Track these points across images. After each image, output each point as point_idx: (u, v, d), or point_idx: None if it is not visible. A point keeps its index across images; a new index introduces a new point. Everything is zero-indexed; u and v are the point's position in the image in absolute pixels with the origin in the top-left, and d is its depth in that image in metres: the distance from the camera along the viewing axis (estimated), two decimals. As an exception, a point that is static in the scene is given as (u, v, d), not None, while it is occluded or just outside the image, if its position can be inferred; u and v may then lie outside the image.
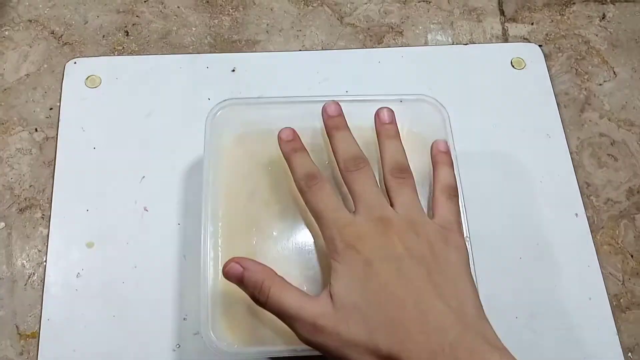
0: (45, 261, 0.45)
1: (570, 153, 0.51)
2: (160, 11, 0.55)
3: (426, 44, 0.56)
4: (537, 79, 0.54)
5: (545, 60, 0.55)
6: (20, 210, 0.47)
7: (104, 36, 0.54)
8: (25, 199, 0.47)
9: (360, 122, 0.44)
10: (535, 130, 0.51)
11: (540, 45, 0.55)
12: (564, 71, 0.55)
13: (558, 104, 0.53)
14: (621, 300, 0.46)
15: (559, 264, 0.46)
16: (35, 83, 0.51)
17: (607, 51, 0.56)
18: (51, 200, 0.46)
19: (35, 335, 0.43)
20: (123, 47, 0.54)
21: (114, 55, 0.53)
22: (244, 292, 0.35)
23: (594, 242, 0.47)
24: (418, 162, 0.44)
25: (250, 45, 0.54)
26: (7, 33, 0.53)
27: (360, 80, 0.53)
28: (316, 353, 0.34)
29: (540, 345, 0.44)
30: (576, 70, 0.55)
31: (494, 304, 0.44)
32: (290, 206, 0.42)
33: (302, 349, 0.36)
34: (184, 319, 0.43)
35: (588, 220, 0.48)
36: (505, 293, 0.45)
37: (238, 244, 0.41)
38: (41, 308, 0.43)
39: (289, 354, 0.37)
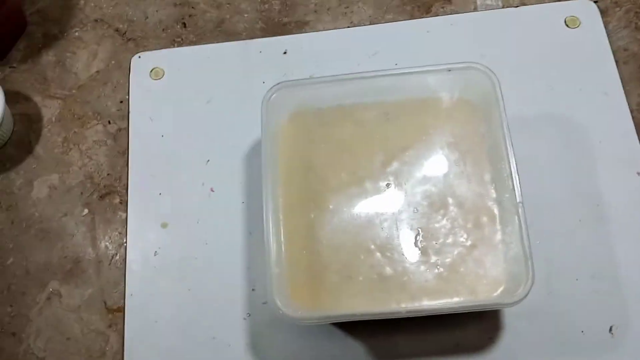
0: (126, 242, 0.49)
1: (631, 111, 0.49)
2: (214, 0, 0.58)
3: (475, 9, 0.55)
4: (593, 36, 0.52)
5: (602, 17, 0.53)
6: (101, 197, 0.51)
7: (163, 30, 0.57)
8: (104, 186, 0.51)
9: (409, 95, 0.45)
10: (592, 90, 0.50)
11: (595, 1, 0.54)
12: (622, 26, 0.53)
13: (616, 61, 0.51)
14: (689, 258, 0.45)
15: (620, 225, 0.46)
16: (105, 79, 0.55)
17: (670, 1, 0.53)
18: (127, 187, 0.50)
19: (121, 310, 0.47)
20: (182, 39, 0.57)
21: (174, 47, 0.56)
22: (305, 262, 0.38)
23: (658, 201, 0.46)
24: (470, 130, 0.44)
25: (300, 26, 0.56)
26: (77, 34, 0.58)
27: (410, 52, 0.53)
28: (374, 317, 0.36)
29: (602, 306, 0.44)
30: (636, 24, 0.53)
31: (554, 266, 0.45)
32: (344, 180, 0.44)
33: (360, 313, 0.38)
34: (253, 289, 0.46)
35: (651, 178, 0.47)
36: (566, 256, 0.45)
37: (297, 218, 0.43)
38: (125, 285, 0.47)
39: (348, 319, 0.39)
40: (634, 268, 0.44)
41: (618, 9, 0.54)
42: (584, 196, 0.47)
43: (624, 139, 0.48)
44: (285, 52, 0.54)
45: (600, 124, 0.49)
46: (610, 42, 0.52)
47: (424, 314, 0.41)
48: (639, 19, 0.53)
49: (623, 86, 0.50)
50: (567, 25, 0.53)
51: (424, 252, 0.41)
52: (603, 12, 0.53)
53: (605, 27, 0.52)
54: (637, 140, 0.48)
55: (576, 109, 0.50)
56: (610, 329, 0.43)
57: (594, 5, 0.53)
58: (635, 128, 0.49)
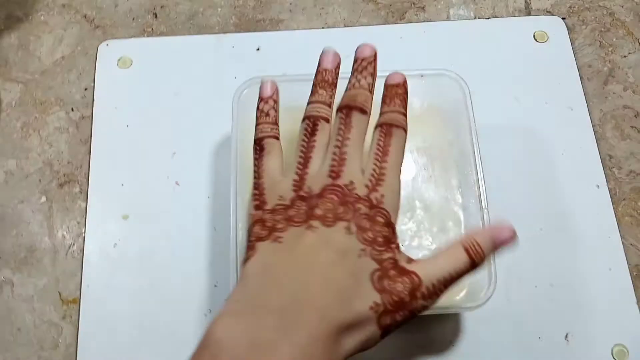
0: (84, 232, 0.47)
1: (593, 125, 0.51)
2: (187, -8, 0.57)
3: (448, 18, 0.56)
4: (560, 52, 0.54)
5: (569, 33, 0.54)
6: (60, 185, 0.49)
7: (133, 19, 0.56)
8: (64, 174, 0.50)
9: (380, 98, 0.46)
10: (557, 104, 0.52)
11: (563, 18, 0.55)
12: (588, 44, 0.55)
13: (581, 77, 0.53)
14: (642, 270, 0.47)
15: (579, 235, 0.47)
16: (70, 65, 0.54)
17: (632, 23, 0.56)
18: (88, 176, 0.49)
19: (77, 301, 0.45)
20: (152, 29, 0.55)
21: (144, 37, 0.55)
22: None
23: (615, 214, 0.48)
24: (440, 136, 0.45)
25: (274, 24, 0.56)
26: (42, 18, 0.56)
27: (383, 56, 0.53)
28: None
29: (559, 314, 0.45)
30: (600, 42, 0.55)
31: (514, 273, 0.46)
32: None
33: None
34: (215, 285, 0.45)
35: (610, 192, 0.49)
36: (526, 263, 0.46)
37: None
38: (81, 276, 0.46)
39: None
40: (591, 278, 0.46)
41: (584, 26, 0.55)
42: (545, 206, 0.48)
43: (585, 153, 0.50)
44: (258, 49, 0.54)
45: (563, 136, 0.50)
46: (575, 58, 0.53)
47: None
48: (603, 38, 0.55)
49: (586, 101, 0.52)
50: (535, 40, 0.54)
51: (389, 253, 0.41)
52: (570, 29, 0.55)
53: (572, 43, 0.54)
54: (598, 154, 0.50)
55: (541, 121, 0.51)
56: (566, 336, 0.44)
57: (562, 22, 0.55)
58: (597, 142, 0.50)
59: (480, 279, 0.39)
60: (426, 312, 0.41)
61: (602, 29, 0.55)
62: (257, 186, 0.34)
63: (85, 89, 0.53)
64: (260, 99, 0.38)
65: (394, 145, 0.34)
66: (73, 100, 0.52)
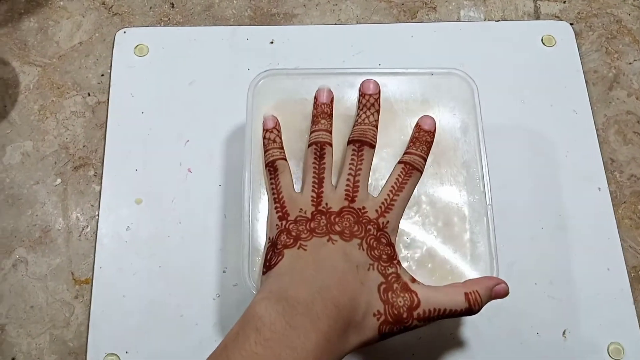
0: (98, 215, 0.49)
1: (596, 129, 0.52)
2: (204, -16, 0.58)
3: (459, 20, 0.57)
4: (567, 56, 0.55)
5: (576, 39, 0.56)
6: (75, 168, 0.51)
7: (151, 8, 0.57)
8: (80, 157, 0.51)
9: (390, 94, 0.47)
10: (562, 107, 0.53)
11: (571, 24, 0.56)
12: (594, 49, 0.56)
13: (586, 82, 0.54)
14: (639, 272, 0.48)
15: (580, 235, 0.48)
16: (88, 51, 0.55)
17: (639, 30, 0.57)
18: (103, 160, 0.50)
19: (89, 282, 0.47)
20: (169, 19, 0.57)
21: (161, 26, 0.56)
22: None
23: (615, 216, 0.49)
24: (448, 133, 0.46)
25: (288, 19, 0.57)
26: (61, 3, 0.57)
27: (393, 54, 0.55)
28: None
29: (557, 311, 0.46)
30: (606, 48, 0.56)
31: (515, 270, 0.47)
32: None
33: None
34: (224, 271, 0.46)
35: (611, 194, 0.50)
36: (527, 260, 0.47)
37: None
38: (94, 257, 0.47)
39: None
40: (589, 277, 0.47)
41: (591, 32, 0.57)
42: (547, 205, 0.49)
43: (588, 156, 0.51)
44: (272, 42, 0.55)
45: (567, 139, 0.52)
46: (582, 63, 0.55)
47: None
48: (610, 44, 0.56)
49: (591, 106, 0.53)
50: (543, 43, 0.55)
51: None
52: (577, 35, 0.56)
53: (579, 48, 0.55)
54: (600, 158, 0.51)
55: (546, 123, 0.52)
56: (564, 333, 0.45)
57: (569, 27, 0.56)
58: (599, 146, 0.51)
59: (483, 272, 0.40)
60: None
61: (609, 36, 0.57)
62: (278, 200, 0.40)
63: (102, 75, 0.54)
64: (265, 130, 0.43)
65: (410, 184, 0.41)
66: (90, 85, 0.53)
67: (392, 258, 0.37)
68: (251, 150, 0.43)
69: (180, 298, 0.46)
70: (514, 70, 0.54)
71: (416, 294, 0.36)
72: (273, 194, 0.40)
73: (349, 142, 0.42)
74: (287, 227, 0.38)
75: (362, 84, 0.44)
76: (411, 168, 0.41)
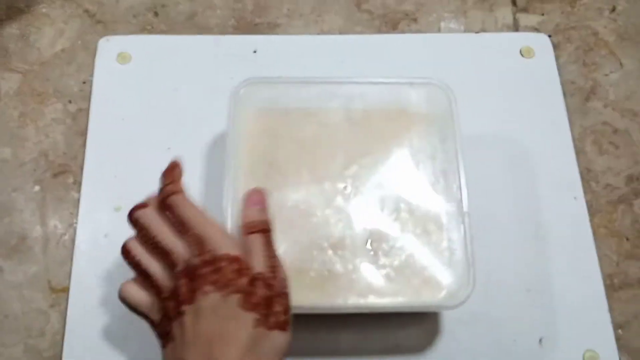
0: (76, 223, 0.48)
1: (573, 140, 0.53)
2: (187, -7, 0.58)
3: (439, 31, 0.58)
4: (545, 68, 0.56)
5: (554, 50, 0.57)
6: (54, 175, 0.50)
7: (134, 16, 0.57)
8: (59, 165, 0.51)
9: (371, 104, 0.47)
10: (540, 117, 0.54)
11: (549, 36, 0.58)
12: (572, 61, 0.57)
13: (564, 93, 0.55)
14: (614, 280, 0.49)
15: (556, 244, 0.49)
16: (70, 58, 0.55)
17: (615, 43, 0.58)
18: (82, 167, 0.50)
19: (66, 290, 0.46)
20: (152, 27, 0.57)
21: (144, 34, 0.56)
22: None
23: (591, 225, 0.50)
24: (426, 142, 0.47)
25: (271, 28, 0.57)
26: (44, 10, 0.57)
27: (375, 64, 0.55)
28: (321, 311, 0.38)
29: (534, 318, 0.46)
30: (583, 60, 0.57)
31: (493, 278, 0.47)
32: (304, 179, 0.45)
33: (309, 306, 0.39)
34: (203, 279, 0.46)
35: (587, 203, 0.51)
36: (504, 268, 0.48)
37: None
38: (71, 265, 0.47)
39: (295, 312, 0.40)
40: (565, 285, 0.47)
41: (569, 44, 0.58)
42: (525, 214, 0.50)
43: (565, 165, 0.52)
44: (255, 51, 0.55)
45: (544, 149, 0.52)
46: (560, 74, 0.55)
47: (369, 311, 0.43)
48: (587, 56, 0.57)
49: (568, 116, 0.54)
50: (522, 55, 0.56)
51: (374, 253, 0.43)
52: (555, 46, 0.57)
53: (557, 60, 0.56)
54: (577, 167, 0.52)
55: (524, 133, 0.53)
56: (540, 340, 0.46)
57: (548, 39, 0.57)
58: (576, 156, 0.52)
59: (460, 279, 0.40)
60: (407, 310, 0.43)
61: (586, 48, 0.58)
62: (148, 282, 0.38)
63: (84, 82, 0.54)
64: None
65: (178, 208, 0.38)
66: (71, 92, 0.53)
67: (239, 271, 0.34)
68: (231, 158, 0.43)
69: (159, 306, 0.45)
70: (493, 81, 0.55)
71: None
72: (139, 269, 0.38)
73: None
74: (159, 326, 0.37)
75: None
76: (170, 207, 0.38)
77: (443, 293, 0.41)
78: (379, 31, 0.58)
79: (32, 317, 0.46)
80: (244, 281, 0.34)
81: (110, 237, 0.48)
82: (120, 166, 0.50)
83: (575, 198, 0.51)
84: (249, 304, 0.33)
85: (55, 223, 0.49)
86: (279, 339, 0.34)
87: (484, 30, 0.58)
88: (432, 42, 0.57)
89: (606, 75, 0.57)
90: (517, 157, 0.52)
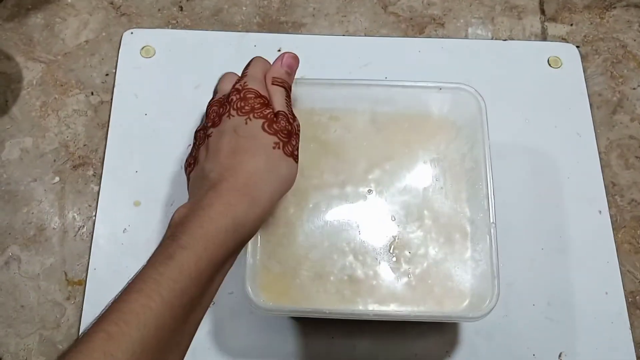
0: (95, 216, 0.48)
1: (599, 153, 0.52)
2: (213, -11, 0.58)
3: (466, 37, 0.57)
4: (572, 78, 0.55)
5: (582, 61, 0.56)
6: (74, 167, 0.50)
7: (159, 10, 0.57)
8: (79, 156, 0.50)
9: (397, 108, 0.47)
10: (566, 128, 0.53)
11: (577, 46, 0.57)
12: (599, 73, 0.56)
13: (591, 105, 0.54)
14: (637, 297, 0.48)
15: (579, 258, 0.48)
16: (94, 50, 0.55)
17: (644, 56, 0.57)
18: (103, 160, 0.50)
19: (82, 283, 0.46)
20: (177, 21, 0.56)
21: (168, 28, 0.56)
22: (279, 256, 0.39)
23: (614, 240, 0.49)
24: (453, 149, 0.46)
25: (296, 27, 0.57)
26: (69, 1, 0.57)
27: (400, 67, 0.55)
28: (341, 317, 0.37)
29: (554, 333, 0.46)
30: (611, 73, 0.56)
31: (514, 290, 0.47)
32: (326, 181, 0.44)
33: (329, 310, 0.39)
34: (221, 278, 0.46)
35: (611, 218, 0.50)
36: (526, 281, 0.47)
37: (276, 212, 0.43)
38: (88, 258, 0.46)
39: (315, 315, 0.40)
40: (587, 299, 0.47)
41: (597, 56, 0.57)
42: (548, 226, 0.49)
43: (590, 178, 0.51)
44: (279, 50, 0.55)
45: (570, 161, 0.51)
46: (587, 85, 0.55)
47: (389, 319, 0.42)
48: (614, 69, 0.56)
49: (594, 129, 0.53)
50: (549, 65, 0.55)
51: (396, 259, 0.42)
52: (583, 57, 0.56)
53: (584, 71, 0.55)
54: (602, 181, 0.51)
55: (550, 144, 0.52)
56: (560, 355, 0.45)
57: (576, 50, 0.56)
58: (602, 169, 0.51)
59: (484, 291, 0.40)
60: (428, 320, 0.42)
61: (614, 60, 0.57)
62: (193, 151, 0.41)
63: (107, 75, 0.53)
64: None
65: (252, 60, 0.42)
66: (93, 84, 0.53)
67: (266, 105, 0.38)
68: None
69: (175, 303, 0.45)
70: (520, 90, 0.54)
71: (282, 112, 0.38)
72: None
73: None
74: (188, 163, 0.40)
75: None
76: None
77: (465, 304, 0.41)
78: (406, 34, 0.57)
79: (47, 309, 0.45)
80: (268, 111, 0.38)
81: (129, 232, 0.47)
82: (141, 161, 0.50)
83: (599, 212, 0.50)
84: (271, 129, 0.37)
85: (73, 215, 0.48)
86: (292, 166, 0.37)
87: (511, 38, 0.57)
88: (459, 47, 0.56)
89: (634, 88, 0.56)
90: (542, 167, 0.51)
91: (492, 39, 0.57)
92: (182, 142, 0.50)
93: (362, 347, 0.45)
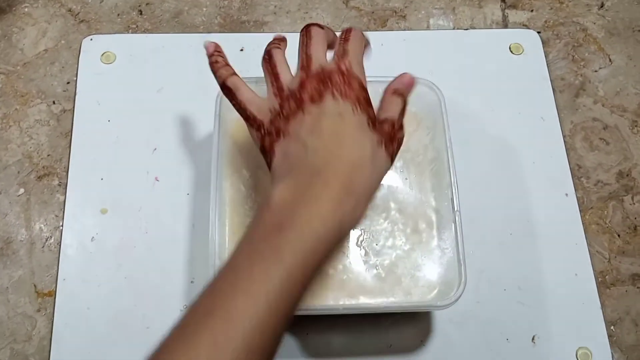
0: (62, 225, 0.47)
1: (564, 136, 0.53)
2: (173, -9, 0.58)
3: (428, 28, 0.58)
4: (534, 64, 0.56)
5: (543, 47, 0.56)
6: (39, 177, 0.49)
7: (118, 15, 0.56)
8: (43, 167, 0.50)
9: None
10: (530, 114, 0.53)
11: (538, 32, 0.57)
12: (561, 57, 0.57)
13: (553, 89, 0.55)
14: (606, 276, 0.49)
15: (547, 241, 0.49)
16: (53, 58, 0.54)
17: (604, 39, 0.58)
18: (68, 169, 0.49)
19: (52, 294, 0.46)
20: (137, 26, 0.56)
21: (129, 33, 0.55)
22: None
23: (582, 222, 0.50)
24: (415, 141, 0.46)
25: (258, 26, 0.57)
26: (26, 9, 0.56)
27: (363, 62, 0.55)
28: (310, 313, 0.37)
29: (527, 316, 0.46)
30: (573, 56, 0.57)
31: (485, 276, 0.47)
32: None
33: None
34: (192, 282, 0.46)
35: (578, 200, 0.50)
36: (496, 266, 0.48)
37: (243, 214, 0.43)
38: (57, 269, 0.46)
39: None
40: (558, 282, 0.47)
41: (558, 41, 0.57)
42: (516, 212, 0.49)
43: (555, 162, 0.52)
44: (242, 50, 0.54)
45: (535, 146, 0.52)
46: (549, 70, 0.55)
47: (360, 312, 0.42)
48: (576, 52, 0.57)
49: (558, 113, 0.53)
50: (511, 52, 0.56)
51: (365, 252, 0.42)
52: (545, 43, 0.57)
53: (546, 56, 0.56)
54: (567, 164, 0.51)
55: (514, 130, 0.53)
56: (533, 338, 0.46)
57: (537, 35, 0.57)
58: (567, 152, 0.52)
59: (451, 279, 0.40)
60: (398, 311, 0.42)
61: (575, 44, 0.58)
62: (247, 116, 0.37)
63: (68, 83, 0.53)
64: (209, 56, 0.41)
65: (353, 34, 0.39)
66: (55, 93, 0.52)
67: (368, 102, 0.36)
68: (218, 159, 0.43)
69: (147, 309, 0.45)
70: (483, 78, 0.55)
71: (390, 118, 0.36)
72: (241, 112, 0.38)
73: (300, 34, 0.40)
74: (267, 130, 0.36)
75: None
76: (349, 30, 0.39)
77: (434, 292, 0.41)
78: (368, 28, 0.57)
79: (18, 322, 0.45)
80: (372, 110, 0.36)
81: (97, 240, 0.47)
82: (106, 168, 0.49)
83: (566, 195, 0.50)
84: (377, 129, 0.35)
85: (40, 226, 0.48)
86: (388, 164, 0.35)
87: (473, 27, 0.58)
88: (422, 39, 0.57)
89: (595, 71, 0.56)
90: (508, 154, 0.51)
91: (453, 28, 0.58)
92: (146, 146, 0.50)
93: (337, 342, 0.45)
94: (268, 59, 0.39)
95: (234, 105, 0.38)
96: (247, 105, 0.38)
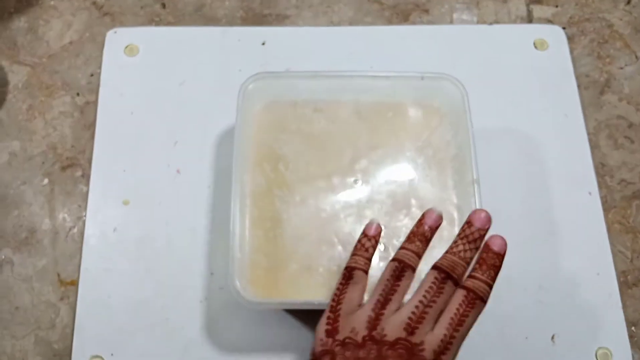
0: (85, 216, 0.48)
1: (588, 134, 0.52)
2: (196, -15, 0.58)
3: (451, 22, 0.57)
4: (559, 60, 0.55)
5: (568, 43, 0.56)
6: (63, 168, 0.50)
7: (142, 7, 0.57)
8: (67, 158, 0.50)
9: (381, 98, 0.47)
10: (554, 111, 0.53)
11: (563, 28, 0.56)
12: (586, 54, 0.56)
13: (578, 86, 0.54)
14: (628, 276, 0.48)
15: (569, 240, 0.48)
16: (78, 50, 0.55)
17: (630, 36, 0.57)
18: (91, 160, 0.50)
19: (75, 283, 0.46)
20: (160, 19, 0.56)
21: (152, 26, 0.56)
22: (267, 249, 0.39)
23: (605, 221, 0.49)
24: (437, 137, 0.46)
25: (280, 20, 0.57)
26: (52, 2, 0.57)
27: (385, 56, 0.55)
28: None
29: (547, 316, 0.46)
30: (598, 53, 0.56)
31: (504, 274, 0.46)
32: (313, 173, 0.44)
33: (318, 302, 0.39)
34: (212, 274, 0.46)
35: (601, 199, 0.50)
36: (517, 265, 0.47)
37: (263, 206, 0.43)
38: (80, 258, 0.47)
39: (304, 307, 0.40)
40: (579, 281, 0.47)
41: (583, 37, 0.57)
42: (538, 210, 0.49)
43: (579, 160, 0.51)
44: (263, 43, 0.55)
45: (558, 143, 0.51)
46: (574, 67, 0.54)
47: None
48: (601, 49, 0.56)
49: (582, 110, 0.53)
50: (535, 47, 0.55)
51: (384, 248, 0.42)
52: (570, 39, 0.56)
53: (571, 52, 0.55)
54: (591, 162, 0.51)
55: (537, 127, 0.52)
56: (552, 337, 0.45)
57: (562, 31, 0.56)
58: (591, 150, 0.51)
59: (471, 277, 0.40)
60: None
61: (601, 40, 0.57)
62: (334, 311, 0.37)
63: (92, 75, 0.53)
64: (364, 234, 0.40)
65: (471, 317, 0.37)
66: (79, 85, 0.53)
67: None
68: (239, 152, 0.43)
69: (167, 300, 0.45)
70: (506, 74, 0.54)
71: None
72: (333, 300, 0.37)
73: (433, 267, 0.38)
74: (332, 348, 0.35)
75: (474, 213, 0.39)
76: (474, 297, 0.36)
77: (454, 290, 0.41)
78: (390, 23, 0.57)
79: (42, 310, 0.46)
80: None
81: (119, 231, 0.47)
82: (128, 160, 0.50)
83: (589, 193, 0.50)
84: None
85: (64, 216, 0.49)
86: None
87: (497, 21, 0.57)
88: (444, 33, 0.56)
89: (621, 68, 0.56)
90: (531, 151, 0.51)
91: (477, 23, 0.57)
92: (168, 139, 0.50)
93: (355, 337, 0.45)
94: (395, 277, 0.38)
95: (336, 289, 0.38)
96: (344, 302, 0.37)
